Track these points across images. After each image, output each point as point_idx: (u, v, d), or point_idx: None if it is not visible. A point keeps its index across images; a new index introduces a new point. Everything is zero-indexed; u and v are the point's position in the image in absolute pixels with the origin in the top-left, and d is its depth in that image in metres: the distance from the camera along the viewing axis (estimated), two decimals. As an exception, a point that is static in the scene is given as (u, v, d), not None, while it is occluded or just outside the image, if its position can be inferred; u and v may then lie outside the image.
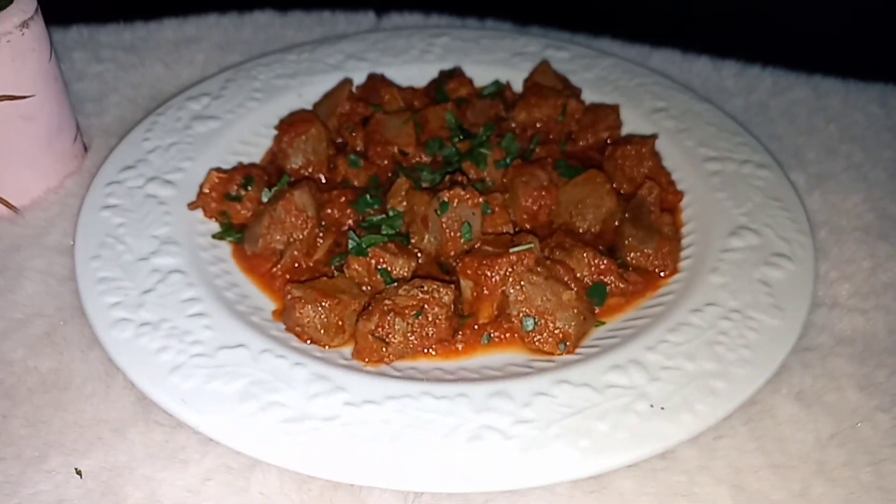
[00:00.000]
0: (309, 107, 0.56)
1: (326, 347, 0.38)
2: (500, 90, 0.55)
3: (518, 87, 0.58)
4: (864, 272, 0.46)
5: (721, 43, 0.70)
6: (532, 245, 0.38)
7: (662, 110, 0.55)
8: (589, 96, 0.57)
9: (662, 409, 0.33)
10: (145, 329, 0.36)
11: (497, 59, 0.61)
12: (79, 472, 0.32)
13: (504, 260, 0.38)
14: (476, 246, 0.40)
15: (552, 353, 0.37)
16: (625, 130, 0.54)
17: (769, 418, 0.36)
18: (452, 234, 0.40)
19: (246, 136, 0.53)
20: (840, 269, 0.46)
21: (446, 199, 0.40)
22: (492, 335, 0.38)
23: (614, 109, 0.52)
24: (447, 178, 0.43)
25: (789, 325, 0.38)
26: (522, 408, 0.33)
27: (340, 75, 0.58)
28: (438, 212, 0.40)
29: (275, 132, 0.53)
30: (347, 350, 0.38)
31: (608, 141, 0.52)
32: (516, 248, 0.38)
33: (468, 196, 0.40)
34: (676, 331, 0.37)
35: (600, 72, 0.59)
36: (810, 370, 0.39)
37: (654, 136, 0.50)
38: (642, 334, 0.37)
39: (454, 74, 0.56)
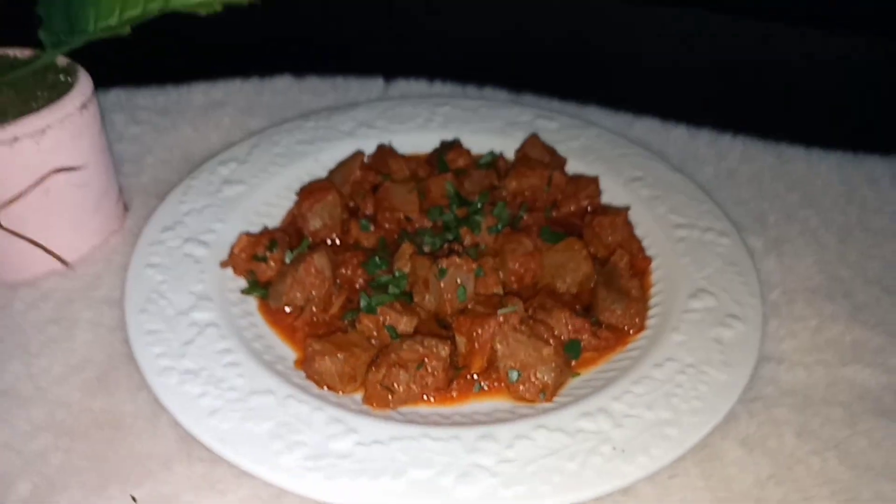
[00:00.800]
0: (325, 171, 0.63)
1: (340, 393, 0.44)
2: (494, 160, 0.62)
3: (511, 153, 0.66)
4: (809, 330, 0.52)
5: (697, 111, 0.77)
6: (516, 308, 0.45)
7: (639, 179, 0.62)
8: (574, 164, 0.64)
9: (623, 451, 0.39)
10: (188, 376, 0.42)
11: (493, 128, 0.68)
12: (134, 499, 0.39)
13: (493, 320, 0.44)
14: (469, 306, 0.47)
15: (533, 401, 0.44)
16: (605, 197, 0.61)
17: (717, 460, 0.42)
18: (449, 295, 0.47)
19: (269, 199, 0.60)
20: (788, 326, 0.52)
21: (444, 266, 0.46)
22: (482, 384, 0.45)
23: (594, 181, 0.59)
24: (446, 245, 0.50)
25: (736, 380, 0.44)
26: (506, 449, 0.39)
27: (353, 141, 0.66)
28: (438, 276, 0.47)
29: (294, 195, 0.60)
30: (358, 396, 0.44)
31: (588, 208, 0.59)
32: (503, 310, 0.44)
33: (463, 263, 0.47)
34: (639, 383, 0.44)
35: (585, 141, 0.66)
36: (755, 418, 0.45)
37: (626, 208, 0.56)
38: (610, 386, 0.43)
39: (454, 146, 0.63)
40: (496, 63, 0.84)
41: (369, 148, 0.65)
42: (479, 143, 0.67)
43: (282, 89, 0.77)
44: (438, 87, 0.79)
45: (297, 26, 0.88)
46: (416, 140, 0.67)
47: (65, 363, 0.47)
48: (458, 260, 0.47)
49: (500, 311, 0.44)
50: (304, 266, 0.49)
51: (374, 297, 0.47)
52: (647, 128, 0.73)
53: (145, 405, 0.43)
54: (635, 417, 0.41)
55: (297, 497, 0.38)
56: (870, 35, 0.85)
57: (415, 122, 0.69)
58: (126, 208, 0.60)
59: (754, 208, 0.64)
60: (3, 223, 0.50)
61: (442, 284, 0.47)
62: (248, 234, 0.52)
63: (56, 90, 0.52)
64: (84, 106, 0.51)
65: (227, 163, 0.61)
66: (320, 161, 0.64)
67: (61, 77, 0.53)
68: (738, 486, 0.41)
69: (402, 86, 0.79)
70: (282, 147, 0.64)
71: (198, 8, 0.52)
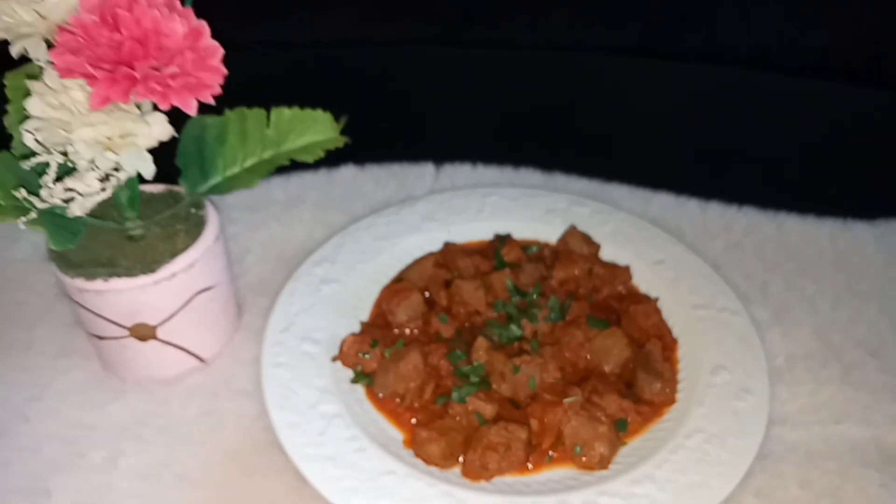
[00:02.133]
0: (400, 263, 0.75)
1: (442, 469, 0.56)
2: (540, 250, 0.75)
3: (550, 237, 0.78)
4: (807, 393, 0.64)
5: (707, 185, 0.89)
6: (577, 398, 0.57)
7: (662, 262, 0.74)
8: (606, 248, 0.76)
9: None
10: (328, 462, 0.55)
11: (535, 216, 0.80)
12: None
13: (560, 408, 0.57)
14: (538, 393, 0.59)
15: (594, 469, 0.56)
16: (635, 279, 0.73)
17: (740, 509, 0.55)
18: (522, 385, 0.59)
19: (359, 293, 0.72)
20: (790, 390, 0.64)
21: (518, 364, 0.59)
22: (552, 456, 0.57)
23: (626, 270, 0.72)
24: (516, 344, 0.63)
25: (750, 445, 0.56)
26: (578, 512, 0.52)
27: (420, 234, 0.78)
28: (513, 371, 0.59)
29: (377, 287, 0.73)
30: (457, 469, 0.57)
31: (622, 290, 0.71)
32: (568, 400, 0.57)
33: (532, 360, 0.59)
34: (675, 452, 0.56)
35: (614, 226, 0.78)
36: (766, 473, 0.57)
37: (656, 299, 0.69)
38: (652, 455, 0.56)
39: (505, 241, 0.75)
40: (528, 144, 0.96)
41: (434, 238, 0.78)
42: (523, 229, 0.79)
43: (348, 180, 0.89)
44: (481, 169, 0.92)
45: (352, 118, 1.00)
46: (471, 229, 0.79)
47: (222, 449, 0.59)
48: (528, 357, 0.59)
49: (565, 401, 0.57)
50: (402, 363, 0.61)
51: (464, 389, 0.59)
52: (663, 204, 0.85)
53: (293, 482, 0.56)
54: (673, 482, 0.54)
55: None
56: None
57: (468, 213, 0.81)
58: (239, 307, 0.73)
59: (758, 280, 0.76)
60: (160, 336, 0.62)
61: (516, 377, 0.59)
62: (353, 335, 0.65)
63: (190, 222, 0.64)
64: (217, 237, 0.64)
65: (320, 263, 0.73)
66: (395, 255, 0.76)
67: (192, 210, 0.66)
68: (755, 532, 0.54)
69: (450, 170, 0.91)
70: (362, 244, 0.76)
71: (304, 155, 0.64)
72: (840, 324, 0.70)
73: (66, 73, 0.45)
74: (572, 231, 0.76)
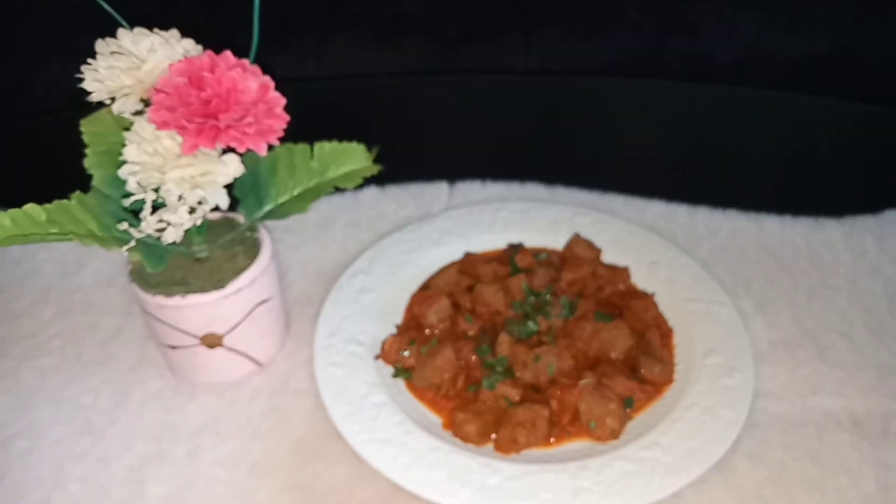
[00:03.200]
0: (426, 273, 0.85)
1: (478, 446, 0.65)
2: (549, 256, 0.84)
3: (557, 244, 0.87)
4: (787, 372, 0.73)
5: (696, 191, 0.99)
6: (590, 380, 0.67)
7: (657, 262, 0.83)
8: (607, 253, 0.86)
9: (671, 470, 0.61)
10: (382, 444, 0.64)
11: (542, 227, 0.90)
12: (366, 526, 0.60)
13: (575, 390, 0.66)
14: (556, 378, 0.69)
15: (606, 441, 0.65)
16: (633, 278, 0.83)
17: (731, 471, 0.63)
18: (542, 372, 0.69)
19: (393, 300, 0.81)
20: (773, 370, 0.73)
21: (539, 354, 0.68)
22: (570, 431, 0.66)
23: (625, 270, 0.81)
24: (535, 336, 0.72)
25: (739, 415, 0.66)
26: (596, 475, 0.61)
27: (441, 247, 0.87)
28: (535, 360, 0.68)
29: (407, 295, 0.82)
30: (489, 446, 0.66)
31: (622, 288, 0.81)
32: (583, 382, 0.66)
33: (550, 350, 0.69)
34: (677, 422, 0.65)
35: (613, 233, 0.88)
36: (754, 439, 0.66)
37: (653, 294, 0.78)
38: (656, 426, 0.65)
39: (518, 249, 0.85)
40: (530, 161, 1.06)
41: (454, 250, 0.87)
42: (533, 239, 0.89)
43: (372, 201, 0.98)
44: (490, 185, 1.01)
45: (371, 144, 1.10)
46: (486, 240, 0.89)
47: (288, 440, 0.68)
48: (546, 348, 0.69)
49: (580, 383, 0.66)
50: (438, 358, 0.70)
51: (492, 378, 0.68)
52: (656, 212, 0.95)
53: (352, 464, 0.65)
54: (675, 447, 0.63)
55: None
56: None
57: (482, 226, 0.90)
58: (286, 314, 0.82)
59: (742, 276, 0.85)
60: (226, 344, 0.71)
61: (537, 365, 0.68)
62: (392, 336, 0.74)
63: (247, 244, 0.73)
64: (272, 256, 0.73)
65: (356, 275, 0.83)
66: (421, 266, 0.85)
67: (248, 233, 0.75)
68: (746, 488, 0.63)
69: (462, 187, 1.01)
70: (391, 258, 0.85)
71: (345, 182, 0.74)
72: (815, 312, 0.80)
73: (162, 125, 0.54)
74: (576, 239, 0.86)
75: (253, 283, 0.70)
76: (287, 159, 0.73)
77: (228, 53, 0.58)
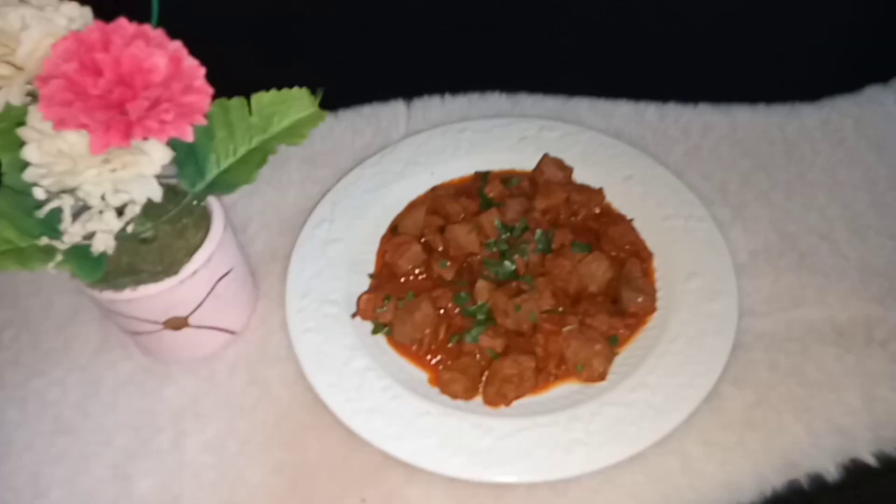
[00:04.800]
0: (392, 213, 0.77)
1: (466, 401, 0.61)
2: (520, 181, 0.76)
3: (525, 163, 0.79)
4: (769, 283, 0.68)
5: (664, 87, 0.89)
6: (574, 326, 0.62)
7: (631, 177, 0.76)
8: (579, 170, 0.78)
9: (662, 411, 0.58)
10: (369, 414, 0.59)
11: (509, 146, 0.81)
12: (363, 500, 0.57)
13: (560, 336, 0.61)
14: (538, 323, 0.63)
15: (594, 382, 0.61)
16: (607, 195, 0.76)
17: (717, 398, 0.60)
18: (524, 319, 0.63)
19: (360, 248, 0.73)
20: (754, 283, 0.68)
21: (519, 303, 0.63)
22: (557, 375, 0.62)
23: (599, 192, 0.74)
24: (514, 283, 0.66)
25: (725, 343, 0.62)
26: (588, 424, 0.57)
27: (406, 180, 0.78)
28: (516, 310, 0.63)
29: (376, 240, 0.74)
30: (478, 399, 0.62)
31: (598, 211, 0.74)
32: (566, 329, 0.61)
33: (530, 298, 0.63)
34: (662, 357, 0.61)
35: (583, 147, 0.80)
36: (739, 362, 0.62)
37: (631, 220, 0.72)
38: (642, 363, 0.61)
39: (487, 179, 0.77)
40: (489, 69, 0.94)
41: (419, 181, 0.79)
42: (500, 160, 0.80)
43: (325, 132, 0.87)
44: (449, 100, 0.91)
45: (319, 66, 0.96)
46: (452, 168, 0.80)
47: (273, 414, 0.63)
48: (525, 296, 0.63)
49: (564, 330, 0.61)
50: (417, 314, 0.64)
51: (475, 329, 0.63)
52: (625, 115, 0.86)
53: (343, 434, 0.60)
54: (664, 385, 0.59)
55: (471, 485, 0.56)
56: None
57: (446, 152, 0.81)
58: (252, 273, 0.74)
59: (717, 180, 0.78)
60: (192, 323, 0.64)
61: (519, 314, 0.63)
62: (367, 294, 0.67)
63: (196, 214, 0.64)
64: (225, 226, 0.64)
65: (320, 225, 0.74)
66: (386, 205, 0.77)
67: (195, 203, 0.65)
68: (734, 415, 0.60)
69: (420, 105, 0.90)
70: (354, 199, 0.77)
71: (291, 139, 0.63)
72: (794, 213, 0.74)
73: (59, 124, 0.44)
74: (546, 159, 0.77)
75: (209, 261, 0.61)
76: (223, 118, 0.62)
77: (123, 21, 0.46)
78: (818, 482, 0.57)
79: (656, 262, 0.69)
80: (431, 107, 0.90)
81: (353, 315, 0.67)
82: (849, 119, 0.83)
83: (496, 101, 0.90)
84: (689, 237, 0.70)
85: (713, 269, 0.67)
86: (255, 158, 0.62)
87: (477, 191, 0.76)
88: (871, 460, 0.58)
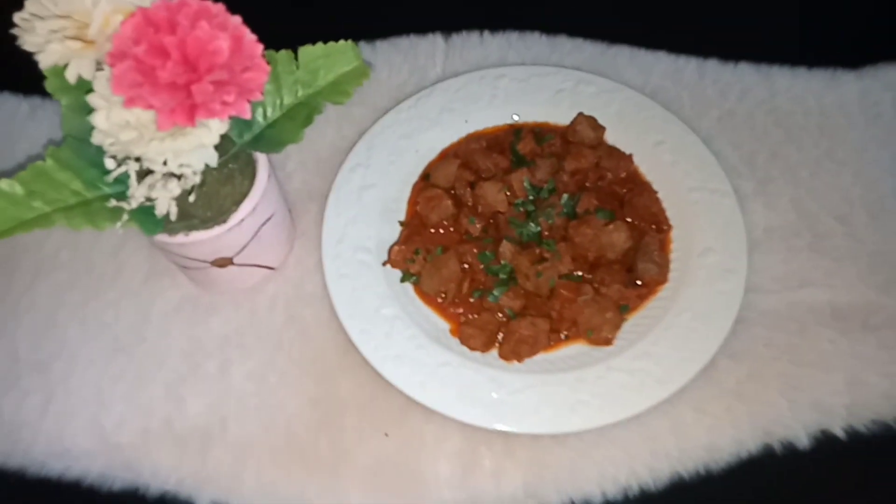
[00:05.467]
0: (425, 161, 0.80)
1: (483, 353, 0.68)
2: (553, 139, 0.78)
3: (560, 118, 0.81)
4: (779, 261, 0.72)
5: (705, 42, 0.88)
6: (589, 296, 0.67)
7: (662, 143, 0.78)
8: (611, 130, 0.80)
9: (661, 381, 0.64)
10: (396, 361, 0.66)
11: (544, 99, 0.82)
12: (387, 435, 0.65)
13: (575, 305, 0.67)
14: (556, 288, 0.69)
15: (602, 345, 0.67)
16: (636, 159, 0.78)
17: (713, 369, 0.66)
18: (544, 283, 0.68)
19: (394, 195, 0.77)
20: (765, 259, 0.72)
21: (540, 270, 0.67)
22: (568, 336, 0.68)
23: (629, 158, 0.76)
24: (538, 250, 0.70)
25: (726, 323, 0.67)
26: (593, 387, 0.64)
27: (441, 128, 0.81)
28: (537, 276, 0.68)
29: (408, 188, 0.78)
30: (495, 352, 0.68)
31: (624, 175, 0.77)
32: (582, 298, 0.66)
33: (551, 266, 0.68)
34: (668, 329, 0.67)
35: (618, 106, 0.81)
36: (738, 336, 0.67)
37: (655, 192, 0.74)
38: (649, 333, 0.67)
39: (520, 135, 0.79)
40: (530, 7, 0.93)
41: (453, 129, 0.81)
42: (535, 113, 0.82)
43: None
44: (488, 39, 0.90)
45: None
46: (487, 116, 0.82)
47: (310, 351, 0.70)
48: (547, 264, 0.68)
49: (580, 300, 0.66)
50: (444, 269, 0.70)
51: (497, 289, 0.68)
52: (664, 72, 0.86)
53: (371, 375, 0.68)
54: (666, 356, 0.65)
55: (482, 431, 0.64)
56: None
57: (482, 100, 0.83)
58: (290, 211, 0.79)
59: (747, 151, 0.80)
60: (236, 262, 0.70)
61: (539, 280, 0.68)
62: (398, 246, 0.72)
63: (241, 160, 0.67)
64: (269, 175, 0.68)
65: (355, 169, 0.78)
66: (420, 152, 0.80)
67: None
68: (725, 386, 0.66)
69: (458, 41, 0.90)
70: (389, 144, 0.79)
71: (336, 96, 0.65)
72: (817, 192, 0.77)
73: (129, 103, 0.47)
74: (580, 118, 0.79)
75: (255, 210, 0.66)
76: (270, 71, 0.64)
77: (186, -1, 0.47)
78: (790, 449, 0.64)
79: (674, 234, 0.73)
80: (469, 45, 0.90)
81: (384, 263, 0.73)
82: (889, 93, 0.83)
83: (535, 42, 0.90)
84: (709, 212, 0.73)
85: (728, 247, 0.70)
86: (301, 115, 0.64)
87: (509, 146, 0.78)
88: (841, 434, 0.64)
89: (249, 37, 0.49)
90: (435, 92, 0.83)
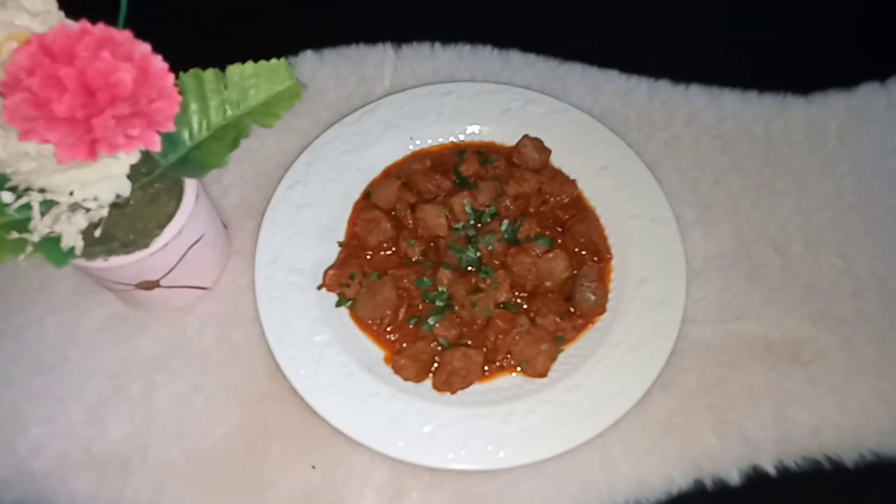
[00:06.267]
0: (367, 177, 0.78)
1: (416, 383, 0.67)
2: (497, 161, 0.76)
3: (506, 136, 0.79)
4: (715, 293, 0.72)
5: (656, 63, 0.87)
6: (525, 327, 0.65)
7: (606, 168, 0.77)
8: (557, 152, 0.78)
9: (591, 414, 0.63)
10: (325, 390, 0.64)
11: (491, 116, 0.80)
12: (313, 467, 0.64)
13: (510, 336, 0.65)
14: (491, 317, 0.67)
15: (535, 377, 0.66)
16: (580, 182, 0.77)
17: (645, 401, 0.66)
18: (479, 313, 0.67)
19: (334, 214, 0.75)
20: (702, 290, 0.71)
21: (475, 301, 0.66)
22: (502, 366, 0.67)
23: (573, 183, 0.75)
24: (474, 280, 0.68)
25: (661, 354, 0.66)
26: (522, 420, 0.63)
27: (384, 143, 0.78)
28: (472, 306, 0.66)
29: (349, 206, 0.76)
30: (428, 382, 0.67)
31: (567, 202, 0.75)
32: (518, 330, 0.65)
33: (486, 297, 0.66)
34: (601, 363, 0.66)
35: (565, 129, 0.79)
36: (672, 368, 0.65)
37: (598, 218, 0.73)
38: (582, 365, 0.66)
39: (464, 157, 0.77)
40: (484, 21, 0.91)
41: (397, 146, 0.79)
42: (481, 132, 0.80)
43: (309, 72, 0.86)
44: (439, 51, 0.88)
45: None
46: (432, 132, 0.80)
47: (238, 373, 0.68)
48: (482, 295, 0.66)
49: (515, 331, 0.65)
50: (378, 296, 0.68)
51: (433, 318, 0.67)
52: (614, 91, 0.84)
53: (300, 405, 0.66)
54: (597, 390, 0.64)
55: (410, 465, 0.63)
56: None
57: (428, 116, 0.81)
58: (225, 226, 0.76)
59: (691, 177, 0.79)
60: (163, 284, 0.67)
61: (474, 310, 0.67)
62: (333, 270, 0.70)
63: (168, 180, 0.65)
64: (198, 195, 0.65)
65: (294, 187, 0.75)
66: (362, 169, 0.78)
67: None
68: (655, 419, 0.66)
69: (409, 53, 0.88)
70: (330, 161, 0.77)
71: (266, 118, 0.62)
72: (756, 222, 0.76)
73: (24, 136, 0.44)
74: (525, 140, 0.77)
75: (180, 233, 0.63)
76: (196, 89, 0.61)
77: (87, 26, 0.44)
78: (720, 485, 0.64)
79: (614, 262, 0.72)
80: (420, 57, 0.88)
81: (319, 287, 0.71)
82: (834, 122, 0.82)
83: (487, 56, 0.88)
84: (650, 240, 0.72)
85: (666, 277, 0.70)
86: (229, 136, 0.62)
87: (452, 167, 0.77)
88: (771, 470, 0.65)
89: (159, 65, 0.47)
90: (379, 107, 0.81)
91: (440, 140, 0.80)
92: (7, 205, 0.49)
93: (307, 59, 0.87)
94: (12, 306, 0.71)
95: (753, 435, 0.65)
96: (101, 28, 0.45)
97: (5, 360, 0.68)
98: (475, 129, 0.80)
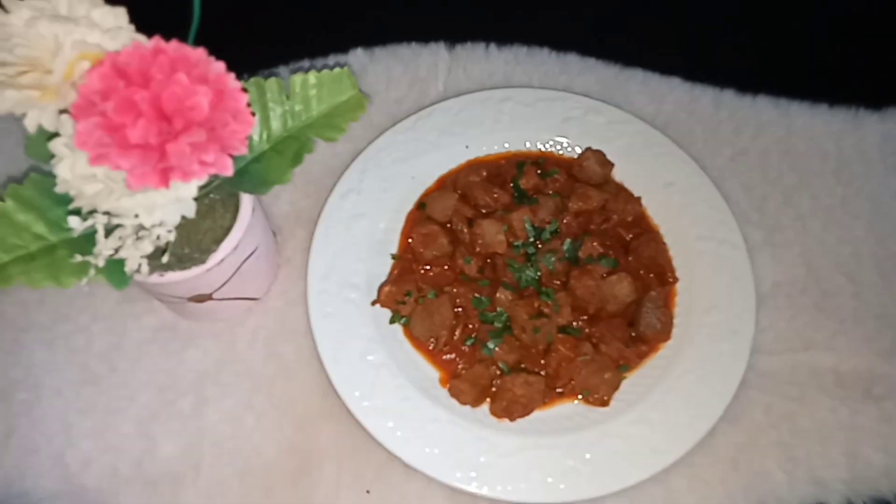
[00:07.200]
0: (422, 187, 0.75)
1: (473, 408, 0.64)
2: (557, 174, 0.73)
3: (566, 147, 0.76)
4: (784, 320, 0.69)
5: (721, 71, 0.83)
6: (588, 356, 0.63)
7: (672, 184, 0.73)
8: (620, 166, 0.75)
9: (656, 449, 0.61)
10: (381, 413, 0.62)
11: (550, 126, 0.77)
12: (368, 491, 0.62)
13: (573, 364, 0.63)
14: (553, 343, 0.65)
15: (597, 406, 0.64)
16: (644, 200, 0.73)
17: (710, 434, 0.63)
18: (541, 340, 0.64)
19: (386, 225, 0.72)
20: (770, 317, 0.68)
21: (538, 326, 0.63)
22: (563, 393, 0.65)
23: (637, 201, 0.72)
24: (537, 304, 0.66)
25: (730, 388, 0.63)
26: (585, 453, 0.61)
27: (439, 151, 0.75)
28: (534, 331, 0.64)
29: (402, 216, 0.73)
30: (485, 407, 0.65)
31: (631, 220, 0.72)
32: (582, 358, 0.63)
33: (549, 322, 0.63)
34: (668, 393, 0.63)
35: (628, 140, 0.76)
36: (738, 400, 0.62)
37: (662, 238, 0.70)
38: (647, 395, 0.63)
39: (523, 169, 0.73)
40: (541, 21, 0.87)
41: (452, 153, 0.76)
42: (540, 139, 0.77)
43: (359, 71, 0.82)
44: (493, 53, 0.84)
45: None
46: (489, 141, 0.77)
47: (290, 391, 0.66)
48: (545, 320, 0.63)
49: (578, 360, 0.63)
50: (436, 315, 0.65)
51: (492, 341, 0.64)
52: (677, 102, 0.80)
53: (353, 426, 0.64)
54: (664, 423, 0.62)
55: (466, 493, 0.61)
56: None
57: (485, 124, 0.77)
58: (274, 234, 0.74)
59: (758, 194, 0.75)
60: (216, 297, 0.65)
61: (537, 335, 0.64)
62: (389, 287, 0.67)
63: (224, 191, 0.62)
64: (254, 209, 0.63)
65: (347, 196, 0.72)
66: (417, 178, 0.75)
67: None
68: (721, 453, 0.63)
69: (462, 53, 0.84)
70: (384, 169, 0.74)
71: (329, 131, 0.59)
72: (827, 245, 0.73)
73: (95, 161, 0.41)
74: (588, 153, 0.74)
75: (236, 248, 0.61)
76: (257, 99, 0.58)
77: (160, 44, 0.41)
78: (786, 524, 0.62)
79: (680, 286, 0.69)
80: (475, 58, 0.84)
81: (373, 303, 0.68)
82: (911, 141, 0.78)
83: (544, 59, 0.84)
84: (718, 264, 0.69)
85: (735, 305, 0.67)
86: (290, 150, 0.59)
87: (511, 178, 0.73)
88: (840, 512, 0.62)
89: (233, 86, 0.44)
90: (435, 113, 0.77)
91: (497, 149, 0.77)
92: (73, 229, 0.47)
93: (357, 56, 0.83)
94: (58, 313, 0.69)
95: (823, 473, 0.63)
96: (174, 46, 0.42)
97: (54, 369, 0.66)
98: (534, 137, 0.77)
